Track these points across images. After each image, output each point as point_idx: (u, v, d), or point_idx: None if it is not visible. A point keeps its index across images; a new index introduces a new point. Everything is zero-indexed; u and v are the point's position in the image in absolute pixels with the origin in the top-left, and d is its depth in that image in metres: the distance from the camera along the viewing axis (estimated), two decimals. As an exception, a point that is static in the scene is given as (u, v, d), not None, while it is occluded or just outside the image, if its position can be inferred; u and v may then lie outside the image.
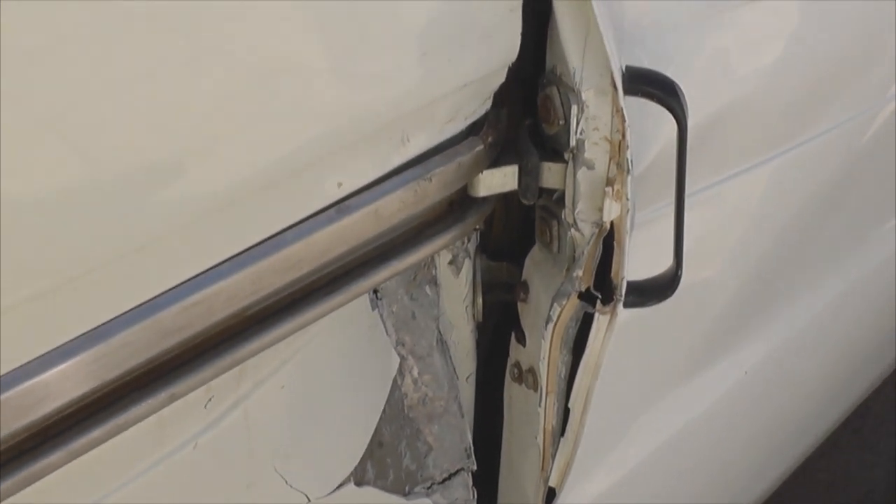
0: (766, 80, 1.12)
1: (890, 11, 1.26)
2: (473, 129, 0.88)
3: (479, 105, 0.87)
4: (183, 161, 0.67)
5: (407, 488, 1.05)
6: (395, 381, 0.99)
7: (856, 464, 2.23)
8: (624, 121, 0.84)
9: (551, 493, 1.07)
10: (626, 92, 0.85)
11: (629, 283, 0.92)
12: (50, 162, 0.61)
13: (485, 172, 0.89)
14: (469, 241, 0.98)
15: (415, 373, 1.00)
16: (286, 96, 0.71)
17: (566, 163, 0.88)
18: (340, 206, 0.80)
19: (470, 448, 1.08)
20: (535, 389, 1.00)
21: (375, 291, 0.93)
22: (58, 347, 0.67)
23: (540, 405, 1.00)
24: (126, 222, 0.66)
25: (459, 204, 0.91)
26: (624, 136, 0.85)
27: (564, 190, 0.89)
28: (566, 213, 0.90)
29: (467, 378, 1.07)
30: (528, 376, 1.01)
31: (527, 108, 0.91)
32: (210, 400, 0.83)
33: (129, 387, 0.74)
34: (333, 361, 0.95)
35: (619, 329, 0.93)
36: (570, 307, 0.93)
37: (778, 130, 1.21)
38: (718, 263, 1.27)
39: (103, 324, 0.69)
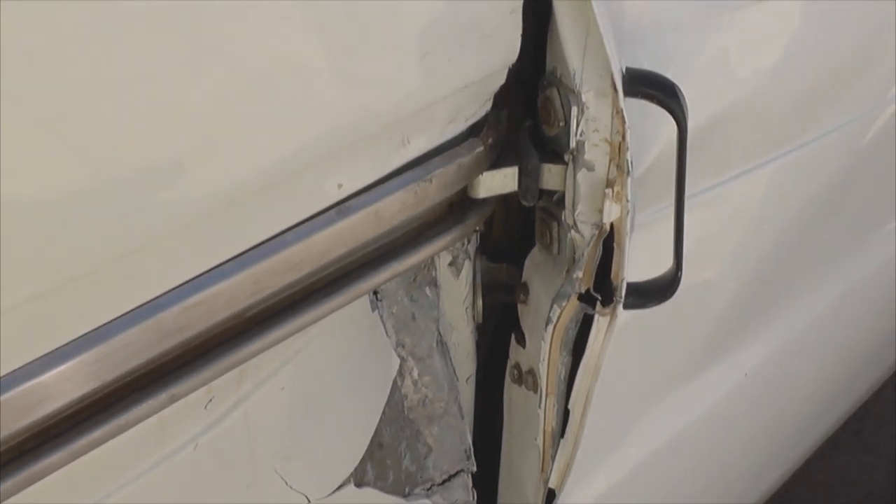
0: (766, 82, 1.12)
1: (890, 13, 1.26)
2: (474, 131, 0.88)
3: (479, 106, 0.87)
4: (183, 162, 0.67)
5: (407, 489, 1.05)
6: (395, 382, 0.99)
7: (855, 466, 2.23)
8: (624, 122, 0.84)
9: (551, 495, 1.07)
10: (627, 93, 0.85)
11: (629, 285, 0.92)
12: (51, 162, 0.61)
13: (485, 174, 0.89)
14: (469, 242, 0.98)
15: (415, 374, 1.00)
16: (286, 97, 0.71)
17: (566, 164, 0.88)
18: (341, 207, 0.80)
19: (470, 449, 1.08)
20: (535, 391, 1.00)
21: (375, 293, 0.93)
22: (59, 348, 0.67)
23: (540, 406, 1.00)
24: (126, 223, 0.66)
25: (459, 205, 0.91)
26: (624, 137, 0.85)
27: (564, 191, 0.89)
28: (566, 215, 0.90)
29: (467, 379, 1.07)
30: (527, 378, 1.01)
31: (527, 109, 0.91)
32: (210, 401, 0.83)
33: (130, 387, 0.74)
34: (333, 363, 0.95)
35: (618, 330, 0.93)
36: (569, 309, 0.93)
37: (778, 132, 1.21)
38: (718, 265, 1.27)
39: (104, 324, 0.69)
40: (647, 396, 1.31)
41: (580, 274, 0.91)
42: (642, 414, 1.32)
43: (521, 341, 1.01)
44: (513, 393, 1.05)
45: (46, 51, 0.59)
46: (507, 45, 0.83)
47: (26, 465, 0.69)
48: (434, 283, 0.97)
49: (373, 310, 0.94)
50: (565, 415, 1.00)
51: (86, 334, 0.68)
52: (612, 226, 0.89)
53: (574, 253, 0.92)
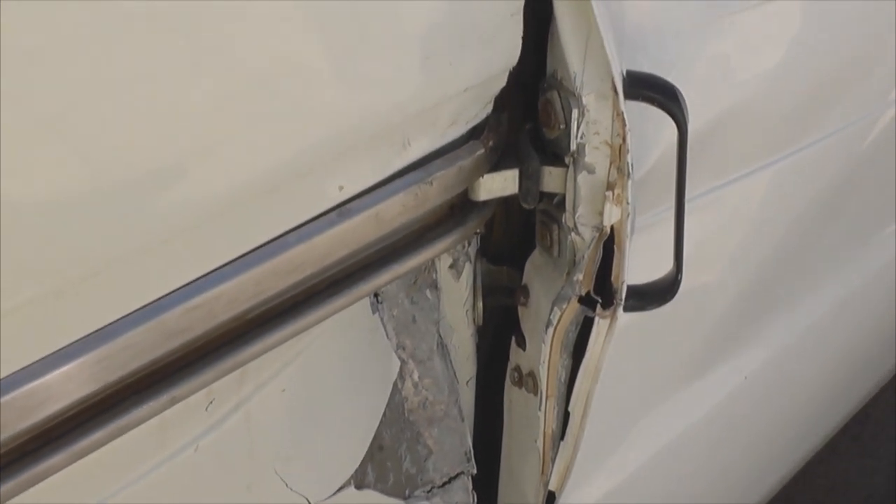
0: (766, 85, 1.12)
1: (890, 16, 1.26)
2: (474, 133, 0.88)
3: (480, 109, 0.87)
4: (185, 164, 0.67)
5: (407, 492, 1.06)
6: (395, 384, 1.00)
7: (855, 469, 2.23)
8: (624, 125, 0.85)
9: (551, 497, 1.07)
10: (627, 96, 0.85)
11: (629, 288, 0.92)
12: (52, 164, 0.61)
13: (485, 176, 0.89)
14: (469, 244, 0.98)
15: (415, 376, 1.00)
16: (288, 99, 0.71)
17: (567, 167, 0.88)
18: (341, 209, 0.80)
19: (470, 452, 1.08)
20: (535, 393, 1.00)
21: (376, 295, 0.93)
22: (60, 349, 0.67)
23: (540, 409, 1.00)
24: (128, 225, 0.66)
25: (460, 208, 0.91)
26: (624, 140, 0.85)
27: (565, 194, 0.89)
28: (566, 217, 0.90)
29: (467, 382, 1.07)
30: (528, 380, 1.01)
31: (527, 112, 0.91)
32: (211, 402, 0.83)
33: (131, 389, 0.74)
34: (334, 365, 0.95)
35: (619, 333, 0.93)
36: (570, 311, 0.93)
37: (778, 135, 1.21)
38: (718, 268, 1.27)
39: (105, 326, 0.69)
40: (647, 399, 1.31)
41: (580, 276, 0.91)
42: (642, 417, 1.32)
43: (522, 344, 1.01)
44: (513, 395, 1.05)
45: (47, 51, 0.59)
46: (508, 47, 0.83)
47: (28, 467, 0.69)
48: (435, 286, 0.98)
49: (373, 312, 0.94)
50: (565, 417, 1.00)
51: (87, 336, 0.68)
52: (612, 228, 0.89)
53: (574, 255, 0.92)
